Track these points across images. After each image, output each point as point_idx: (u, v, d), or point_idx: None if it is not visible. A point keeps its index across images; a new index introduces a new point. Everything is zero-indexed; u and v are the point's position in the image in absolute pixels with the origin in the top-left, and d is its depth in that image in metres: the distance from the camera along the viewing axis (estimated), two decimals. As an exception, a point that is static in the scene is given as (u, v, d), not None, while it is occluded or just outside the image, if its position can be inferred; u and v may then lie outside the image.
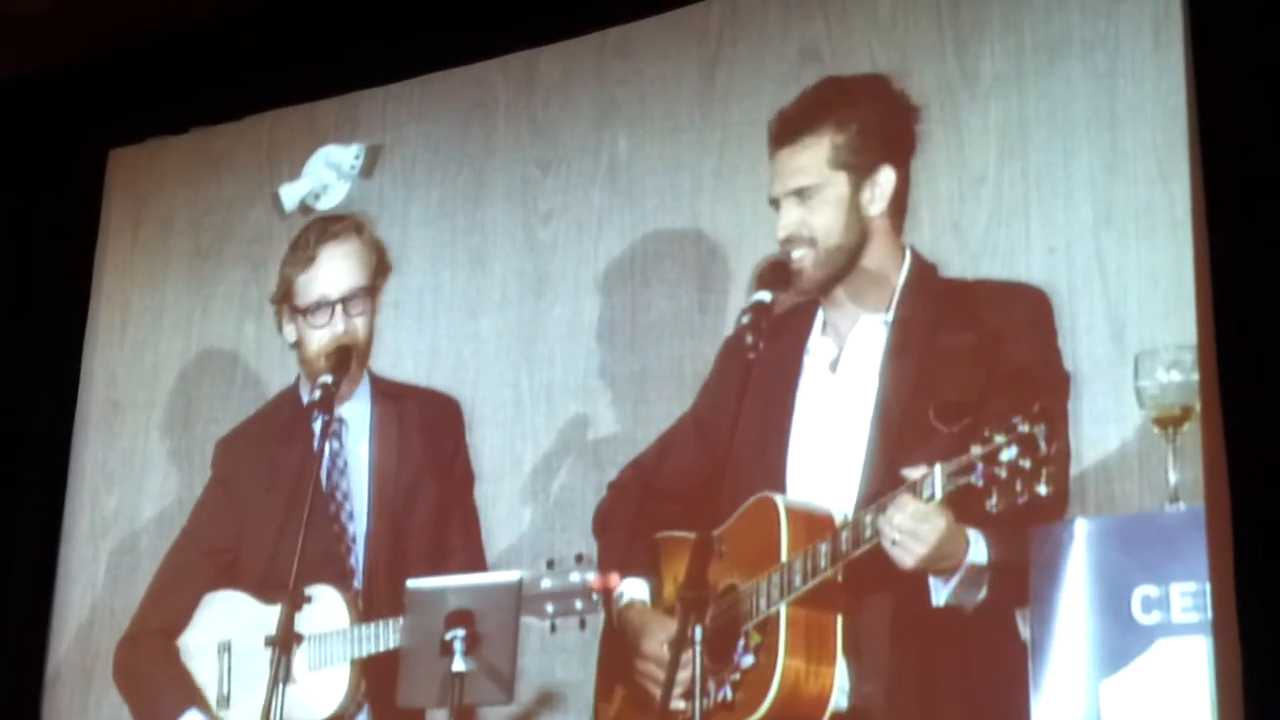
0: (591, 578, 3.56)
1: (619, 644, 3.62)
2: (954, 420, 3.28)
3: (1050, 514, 3.15)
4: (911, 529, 3.13)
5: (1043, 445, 3.02)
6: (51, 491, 4.79)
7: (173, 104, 4.89)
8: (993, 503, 3.05)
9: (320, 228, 4.43)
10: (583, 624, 3.64)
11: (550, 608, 3.58)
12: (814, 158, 3.59)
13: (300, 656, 3.85)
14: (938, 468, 3.13)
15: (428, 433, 4.17)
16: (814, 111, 3.66)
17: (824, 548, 3.26)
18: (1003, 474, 3.03)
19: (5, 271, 5.06)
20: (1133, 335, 3.25)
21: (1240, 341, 3.17)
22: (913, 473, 3.17)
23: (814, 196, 3.56)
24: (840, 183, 3.55)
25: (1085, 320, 3.31)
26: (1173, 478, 3.09)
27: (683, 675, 3.01)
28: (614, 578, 3.58)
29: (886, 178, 3.55)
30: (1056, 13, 3.51)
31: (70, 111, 5.01)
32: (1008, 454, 3.03)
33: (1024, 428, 3.03)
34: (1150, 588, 2.99)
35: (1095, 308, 3.31)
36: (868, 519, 3.20)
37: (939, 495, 3.13)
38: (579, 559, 3.67)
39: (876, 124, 3.59)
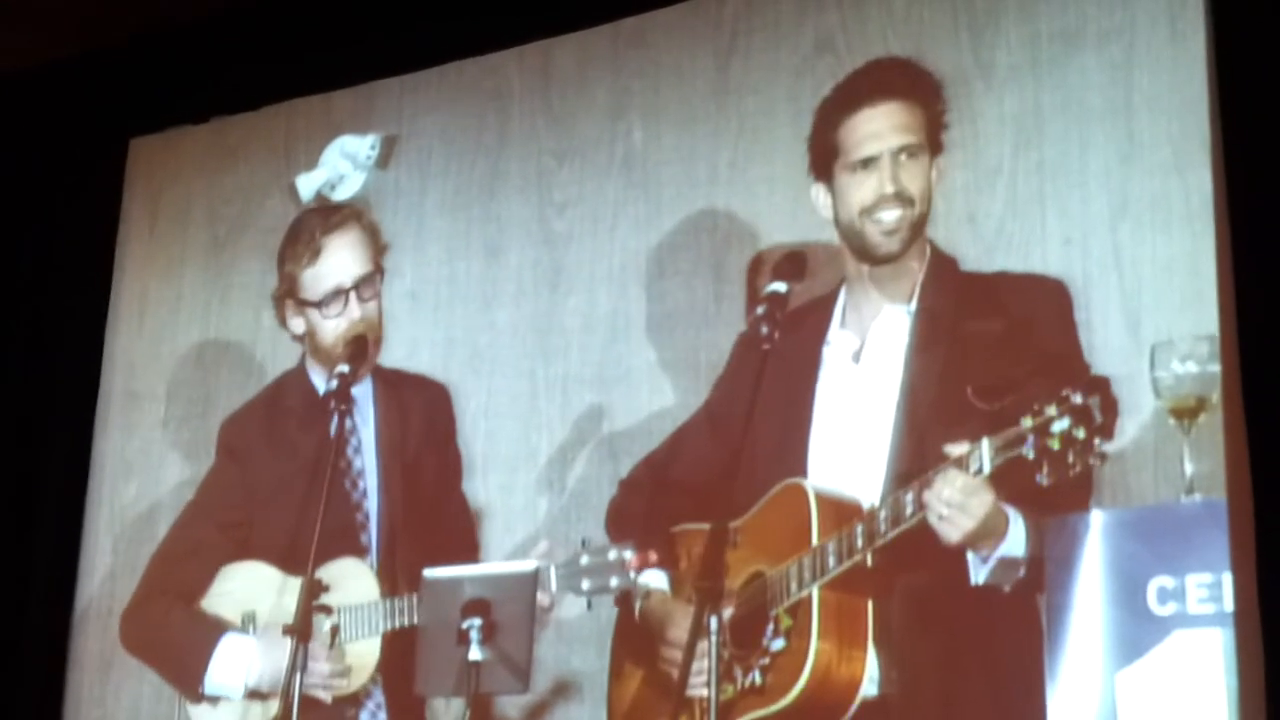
0: (629, 555, 3.54)
1: (636, 635, 3.63)
2: (995, 399, 3.25)
3: (1074, 503, 3.14)
4: (960, 503, 3.10)
5: (1098, 415, 3.00)
6: (73, 480, 4.81)
7: (193, 93, 4.90)
8: (1043, 475, 3.03)
9: (320, 221, 4.43)
10: (617, 601, 3.65)
11: (586, 584, 3.59)
12: (916, 120, 3.55)
13: (328, 627, 3.88)
14: (985, 441, 3.10)
15: (425, 416, 4.21)
16: (903, 76, 3.61)
17: (859, 528, 3.24)
18: (1055, 445, 3.01)
19: (29, 260, 5.08)
20: (1148, 326, 3.24)
21: (1262, 332, 3.16)
22: (956, 448, 3.14)
23: (914, 159, 3.53)
24: (926, 155, 3.54)
25: (1101, 312, 3.30)
26: (1188, 469, 3.08)
27: (702, 664, 2.99)
28: (652, 555, 3.55)
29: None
30: (1072, 3, 3.50)
31: (93, 100, 5.02)
32: (1060, 425, 3.01)
33: (1077, 399, 3.01)
34: (1166, 579, 2.98)
35: (1111, 299, 3.31)
36: (908, 496, 3.18)
37: (987, 469, 3.10)
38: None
39: (939, 112, 3.57)
